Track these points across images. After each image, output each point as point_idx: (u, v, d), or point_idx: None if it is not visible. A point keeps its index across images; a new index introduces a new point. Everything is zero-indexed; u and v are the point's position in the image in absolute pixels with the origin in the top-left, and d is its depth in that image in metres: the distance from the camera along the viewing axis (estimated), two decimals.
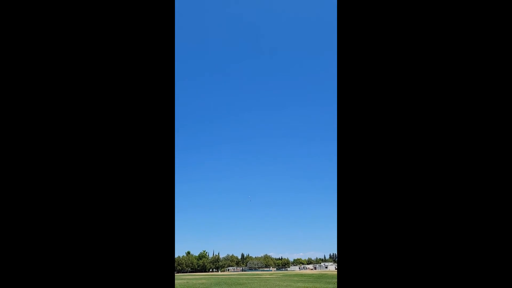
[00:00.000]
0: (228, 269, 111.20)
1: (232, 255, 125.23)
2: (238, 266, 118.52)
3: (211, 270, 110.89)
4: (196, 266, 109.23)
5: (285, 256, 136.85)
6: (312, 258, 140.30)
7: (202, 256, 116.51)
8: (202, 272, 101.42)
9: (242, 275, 48.16)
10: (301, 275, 39.62)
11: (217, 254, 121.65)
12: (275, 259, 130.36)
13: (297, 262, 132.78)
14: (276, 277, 31.85)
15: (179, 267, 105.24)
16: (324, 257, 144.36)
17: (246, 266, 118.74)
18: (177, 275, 61.16)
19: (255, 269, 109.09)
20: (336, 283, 19.64)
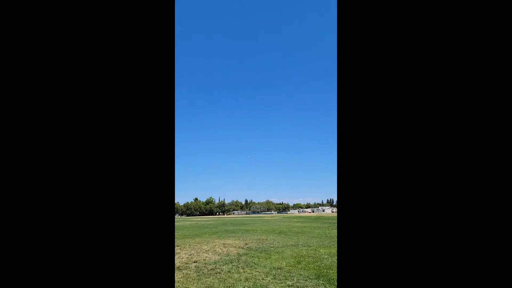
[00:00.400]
0: (233, 213, 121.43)
1: (237, 200, 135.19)
2: (242, 210, 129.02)
3: (217, 213, 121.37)
4: (204, 210, 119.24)
5: (285, 201, 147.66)
6: (311, 203, 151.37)
7: (209, 201, 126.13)
8: (209, 215, 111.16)
9: (246, 217, 53.03)
10: (300, 217, 43.49)
11: (222, 200, 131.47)
12: (276, 203, 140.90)
13: (297, 206, 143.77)
14: (277, 219, 35.20)
15: (188, 211, 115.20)
16: (322, 201, 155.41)
17: (249, 210, 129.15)
18: (186, 217, 67.38)
19: (258, 213, 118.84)
20: (330, 224, 21.69)
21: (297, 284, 4.19)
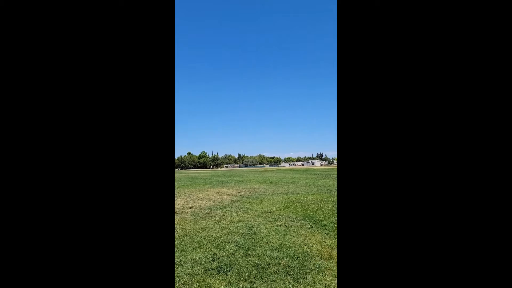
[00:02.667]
0: (227, 166, 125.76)
1: (230, 154, 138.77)
2: (235, 163, 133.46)
3: (211, 167, 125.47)
4: (198, 163, 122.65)
5: (277, 155, 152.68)
6: (301, 157, 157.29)
7: (203, 155, 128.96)
8: (203, 168, 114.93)
9: (239, 170, 55.33)
10: (290, 169, 45.67)
11: (216, 154, 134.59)
12: (268, 157, 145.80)
13: (288, 160, 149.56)
14: (268, 171, 36.93)
15: (182, 164, 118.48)
16: (312, 155, 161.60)
17: (242, 163, 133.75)
18: (180, 170, 69.68)
19: (250, 166, 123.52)
20: (318, 175, 22.96)
21: (286, 224, 4.58)
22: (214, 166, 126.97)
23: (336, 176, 20.16)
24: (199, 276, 2.58)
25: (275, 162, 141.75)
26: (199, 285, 2.40)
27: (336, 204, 6.65)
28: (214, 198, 8.37)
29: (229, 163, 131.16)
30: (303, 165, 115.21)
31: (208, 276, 2.57)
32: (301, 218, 5.03)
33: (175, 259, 3.00)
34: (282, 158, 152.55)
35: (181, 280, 2.50)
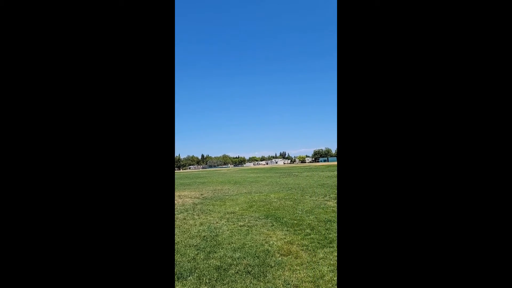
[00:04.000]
0: (189, 168, 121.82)
1: (193, 155, 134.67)
2: (198, 164, 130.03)
3: None
4: None
5: (241, 155, 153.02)
6: (265, 156, 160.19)
7: None
8: None
9: (202, 171, 54.05)
10: (255, 169, 46.20)
11: (178, 155, 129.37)
12: (233, 157, 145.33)
13: (252, 159, 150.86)
14: (233, 171, 36.84)
15: None
16: (275, 154, 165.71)
17: (206, 164, 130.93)
18: None
19: (215, 166, 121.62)
20: (281, 174, 23.64)
21: (248, 224, 4.64)
22: (176, 168, 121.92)
23: (297, 174, 21.01)
24: None
25: (240, 162, 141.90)
26: None
27: (297, 201, 6.94)
28: (175, 202, 8.06)
29: (192, 165, 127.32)
30: (267, 164, 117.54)
31: None
32: (263, 217, 5.14)
33: None
34: (247, 157, 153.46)
35: None
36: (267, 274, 2.59)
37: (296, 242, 3.50)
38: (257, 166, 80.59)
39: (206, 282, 2.47)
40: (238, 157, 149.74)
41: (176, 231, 4.39)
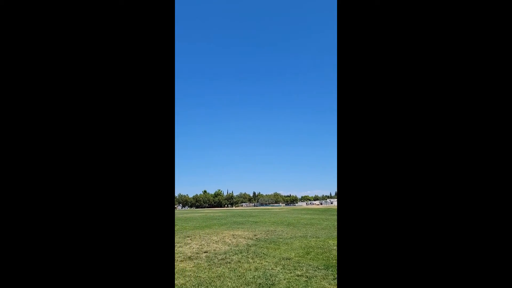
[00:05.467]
0: (242, 205, 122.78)
1: (245, 193, 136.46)
2: (250, 202, 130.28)
3: (226, 206, 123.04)
4: (213, 202, 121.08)
5: (293, 194, 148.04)
6: (319, 195, 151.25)
7: (217, 194, 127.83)
8: (218, 207, 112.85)
9: (254, 209, 53.68)
10: (308, 209, 43.69)
11: (231, 192, 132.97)
12: (284, 196, 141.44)
13: (305, 198, 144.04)
14: (285, 211, 35.52)
15: (197, 203, 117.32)
16: (330, 194, 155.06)
17: (257, 202, 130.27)
18: (195, 209, 68.70)
19: (266, 205, 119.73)
20: None
21: (307, 274, 4.23)
22: (229, 205, 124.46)
23: None
24: None
25: (291, 201, 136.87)
26: None
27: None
28: (230, 241, 8.04)
29: (244, 202, 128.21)
30: (321, 204, 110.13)
31: None
32: (323, 267, 4.65)
33: None
34: (299, 196, 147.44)
35: None
36: None
37: None
38: (310, 206, 76.15)
39: None
40: (290, 195, 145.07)
41: (231, 274, 4.29)
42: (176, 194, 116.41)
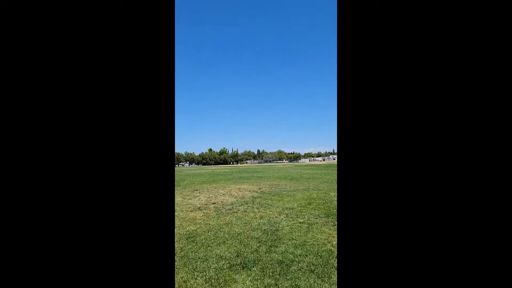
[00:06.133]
0: (246, 162, 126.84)
1: (249, 150, 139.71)
2: (254, 159, 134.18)
3: (231, 163, 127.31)
4: (218, 160, 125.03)
5: (296, 151, 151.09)
6: (322, 152, 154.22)
7: (223, 152, 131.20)
8: (223, 164, 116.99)
9: (258, 166, 55.61)
10: (311, 165, 45.03)
11: (236, 150, 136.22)
12: (288, 153, 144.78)
13: (308, 155, 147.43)
14: (288, 167, 36.74)
15: (203, 161, 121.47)
16: (333, 150, 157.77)
17: (262, 159, 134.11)
18: (202, 166, 71.44)
19: (270, 162, 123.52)
20: None
21: (308, 221, 4.55)
22: (234, 162, 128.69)
23: None
24: (224, 271, 2.66)
25: (295, 157, 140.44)
26: (224, 279, 2.47)
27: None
28: (236, 194, 8.51)
29: (249, 159, 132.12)
30: (323, 160, 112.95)
31: (233, 272, 2.63)
32: (323, 216, 4.97)
33: (201, 254, 3.11)
34: (302, 153, 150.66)
35: (207, 274, 2.59)
36: (332, 276, 2.49)
37: None
38: (313, 162, 78.35)
39: (269, 275, 2.53)
40: (293, 152, 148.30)
41: (238, 222, 4.64)
42: (183, 152, 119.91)
